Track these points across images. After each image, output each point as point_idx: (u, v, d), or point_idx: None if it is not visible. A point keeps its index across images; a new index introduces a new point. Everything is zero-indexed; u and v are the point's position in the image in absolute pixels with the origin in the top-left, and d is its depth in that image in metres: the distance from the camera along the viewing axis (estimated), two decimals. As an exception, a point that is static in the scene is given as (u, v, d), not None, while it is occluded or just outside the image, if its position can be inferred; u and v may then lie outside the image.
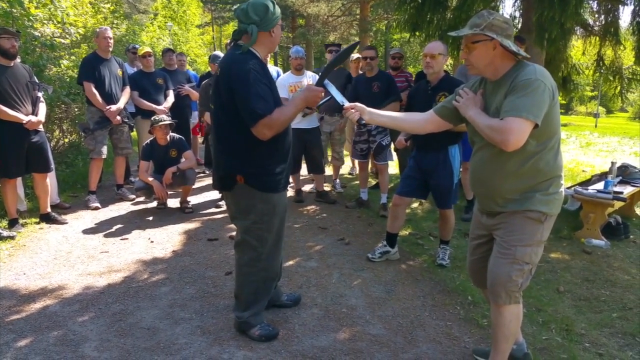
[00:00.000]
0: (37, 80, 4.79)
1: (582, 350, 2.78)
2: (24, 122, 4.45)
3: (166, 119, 5.32)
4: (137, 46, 7.33)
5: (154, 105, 6.09)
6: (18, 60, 4.67)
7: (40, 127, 4.71)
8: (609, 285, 3.66)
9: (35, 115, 4.59)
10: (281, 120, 2.51)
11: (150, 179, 5.25)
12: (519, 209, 2.21)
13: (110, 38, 5.53)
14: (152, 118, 5.39)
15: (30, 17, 5.99)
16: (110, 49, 5.60)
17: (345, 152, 6.77)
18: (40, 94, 4.74)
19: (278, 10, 2.59)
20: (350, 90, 5.51)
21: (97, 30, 5.67)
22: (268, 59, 6.23)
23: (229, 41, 2.72)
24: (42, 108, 4.75)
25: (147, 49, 6.43)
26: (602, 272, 3.91)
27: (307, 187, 6.64)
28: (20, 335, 2.84)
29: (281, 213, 2.80)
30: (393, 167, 6.04)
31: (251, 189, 2.64)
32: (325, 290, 3.51)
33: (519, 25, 6.48)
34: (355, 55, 6.52)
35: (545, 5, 4.92)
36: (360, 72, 5.84)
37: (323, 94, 2.65)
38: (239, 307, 2.86)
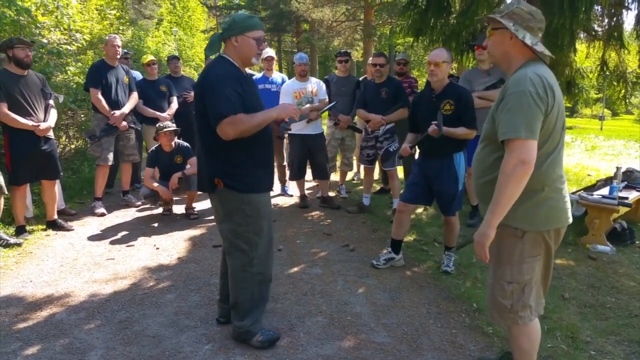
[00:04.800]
0: (49, 89, 4.85)
1: (588, 359, 2.77)
2: (35, 126, 4.51)
3: (170, 126, 5.36)
4: (126, 51, 7.23)
5: (157, 113, 6.15)
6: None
7: (51, 134, 4.77)
8: (615, 292, 3.65)
9: (45, 122, 4.65)
10: (246, 123, 2.53)
11: (155, 184, 5.28)
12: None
13: (119, 46, 5.58)
14: (156, 125, 5.44)
15: (38, 25, 6.04)
16: (118, 57, 5.65)
17: (354, 158, 6.79)
18: (51, 101, 4.80)
19: (250, 22, 2.63)
20: (359, 96, 5.54)
21: (106, 37, 5.72)
22: (274, 65, 6.27)
23: None
24: (53, 114, 4.83)
25: (151, 57, 6.47)
26: (608, 279, 3.89)
27: (311, 192, 6.65)
28: (26, 344, 2.86)
29: (267, 215, 2.81)
30: (399, 173, 6.05)
31: (231, 191, 2.66)
32: (330, 298, 3.51)
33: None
34: (371, 59, 6.55)
35: (555, 11, 4.91)
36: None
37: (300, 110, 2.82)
38: (238, 316, 2.84)
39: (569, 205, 2.18)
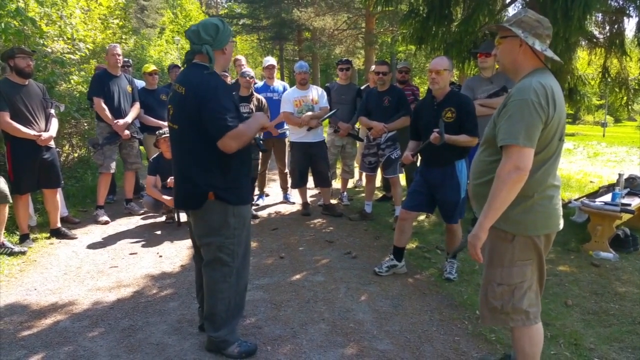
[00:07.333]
0: (50, 98, 4.89)
1: (591, 366, 2.77)
2: (37, 136, 4.54)
3: (170, 133, 5.39)
4: (126, 59, 7.26)
5: (160, 122, 6.17)
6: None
7: (52, 144, 4.79)
8: (618, 299, 3.65)
9: (47, 132, 4.68)
10: (247, 134, 2.58)
11: (159, 194, 5.30)
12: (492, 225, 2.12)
13: (119, 55, 5.62)
14: (157, 132, 5.48)
15: (42, 36, 6.09)
16: (120, 65, 5.70)
17: (355, 165, 6.80)
18: (52, 111, 4.83)
19: (229, 28, 2.67)
20: (362, 104, 5.56)
21: (107, 47, 5.77)
22: (275, 73, 6.35)
23: (182, 62, 2.81)
24: (54, 124, 4.85)
25: (154, 67, 6.52)
26: (611, 285, 3.89)
27: (312, 200, 6.67)
28: (31, 351, 2.87)
29: (248, 226, 2.85)
30: (401, 181, 6.06)
31: (222, 203, 2.64)
32: (333, 305, 3.51)
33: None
34: (373, 67, 6.58)
35: (549, 20, 4.93)
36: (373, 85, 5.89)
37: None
38: (213, 327, 2.80)
39: (559, 212, 2.22)
